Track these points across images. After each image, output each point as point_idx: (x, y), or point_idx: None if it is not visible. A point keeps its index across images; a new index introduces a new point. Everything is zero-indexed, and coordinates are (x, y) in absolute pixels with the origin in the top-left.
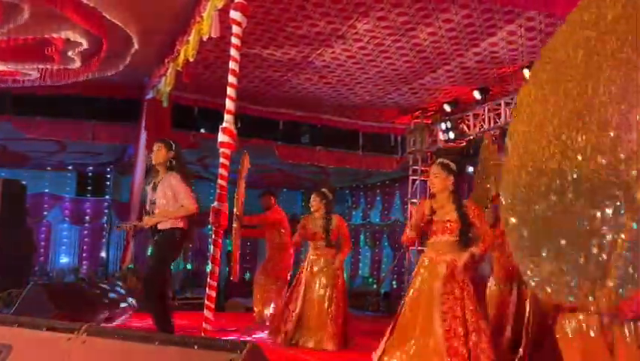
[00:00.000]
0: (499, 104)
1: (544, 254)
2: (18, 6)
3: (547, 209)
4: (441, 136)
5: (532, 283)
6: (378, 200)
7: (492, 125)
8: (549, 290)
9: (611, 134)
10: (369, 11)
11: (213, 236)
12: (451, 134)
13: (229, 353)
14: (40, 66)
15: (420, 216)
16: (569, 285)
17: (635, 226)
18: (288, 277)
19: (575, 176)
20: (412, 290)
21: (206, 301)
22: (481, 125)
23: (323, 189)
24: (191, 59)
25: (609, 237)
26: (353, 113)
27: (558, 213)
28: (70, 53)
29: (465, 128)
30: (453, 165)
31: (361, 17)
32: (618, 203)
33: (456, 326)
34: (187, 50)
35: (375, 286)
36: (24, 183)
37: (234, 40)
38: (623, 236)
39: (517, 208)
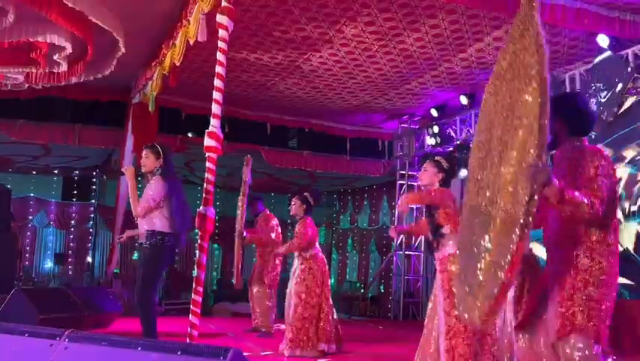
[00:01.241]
0: None
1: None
2: (2, 9)
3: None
4: (428, 141)
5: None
6: (366, 204)
7: None
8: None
9: (494, 170)
10: (357, 16)
11: (199, 241)
12: (438, 139)
13: (212, 359)
14: (26, 70)
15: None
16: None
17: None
18: (278, 281)
19: (479, 209)
20: None
21: (191, 307)
22: (468, 130)
23: (305, 193)
24: (178, 63)
25: (484, 261)
26: (341, 118)
27: (470, 244)
28: (55, 57)
29: (452, 133)
30: (444, 163)
31: (348, 22)
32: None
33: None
34: (173, 53)
35: (362, 290)
36: (8, 187)
37: (221, 45)
38: (488, 258)
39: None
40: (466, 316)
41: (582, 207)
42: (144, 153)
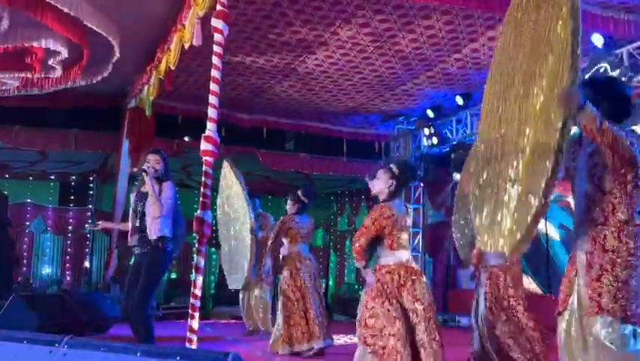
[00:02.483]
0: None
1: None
2: None
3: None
4: (424, 142)
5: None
6: (363, 206)
7: (474, 130)
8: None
9: (518, 102)
10: (351, 18)
11: (197, 245)
12: (434, 140)
13: None
14: (21, 75)
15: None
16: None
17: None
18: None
19: (501, 142)
20: None
21: (190, 311)
22: (464, 130)
23: (298, 192)
24: (173, 67)
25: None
26: (337, 120)
27: (485, 183)
28: (50, 62)
29: (448, 133)
30: (396, 170)
31: (343, 24)
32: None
33: None
34: (169, 58)
35: (361, 292)
36: (5, 193)
37: (216, 48)
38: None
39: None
40: (490, 247)
41: (623, 142)
42: (152, 157)
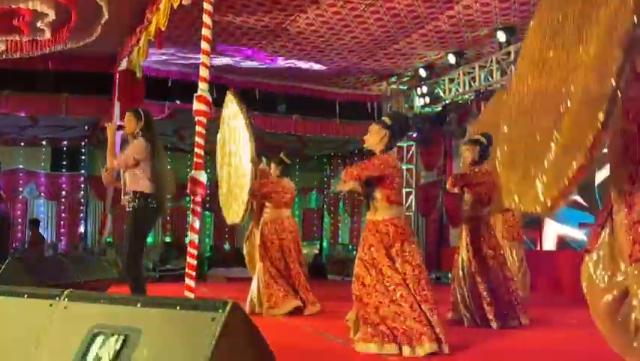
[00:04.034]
0: (474, 68)
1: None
2: None
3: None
4: (417, 101)
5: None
6: None
7: (467, 89)
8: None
9: (567, 49)
10: None
11: (192, 205)
12: (427, 99)
13: (211, 313)
14: (9, 38)
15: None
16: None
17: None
18: None
19: (548, 92)
20: None
21: (187, 270)
22: (457, 89)
23: (281, 154)
24: (163, 28)
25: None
26: (329, 81)
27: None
28: (39, 24)
29: (440, 92)
30: (389, 120)
31: None
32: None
33: None
34: (158, 18)
35: (355, 252)
36: None
37: (206, 7)
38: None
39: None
40: (519, 202)
41: None
42: (126, 116)
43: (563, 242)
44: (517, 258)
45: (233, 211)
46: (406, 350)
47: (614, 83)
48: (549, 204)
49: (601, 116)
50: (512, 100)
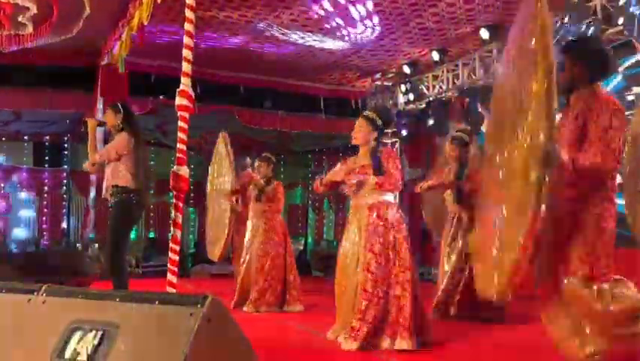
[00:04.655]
0: (457, 65)
1: None
2: None
3: None
4: (401, 98)
5: None
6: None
7: (450, 86)
8: None
9: (507, 149)
10: None
11: (174, 200)
12: (411, 96)
13: (190, 308)
14: None
15: (340, 169)
16: None
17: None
18: None
19: (499, 181)
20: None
21: (169, 266)
22: (440, 86)
23: (266, 154)
24: (146, 22)
25: (499, 237)
26: (314, 77)
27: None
28: (20, 18)
29: (424, 89)
30: (378, 120)
31: None
32: None
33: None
34: (141, 12)
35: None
36: None
37: (188, 0)
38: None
39: None
40: (483, 291)
41: (596, 165)
42: (106, 111)
43: None
44: None
45: (211, 250)
46: (387, 343)
47: (534, 193)
48: (500, 294)
49: (525, 221)
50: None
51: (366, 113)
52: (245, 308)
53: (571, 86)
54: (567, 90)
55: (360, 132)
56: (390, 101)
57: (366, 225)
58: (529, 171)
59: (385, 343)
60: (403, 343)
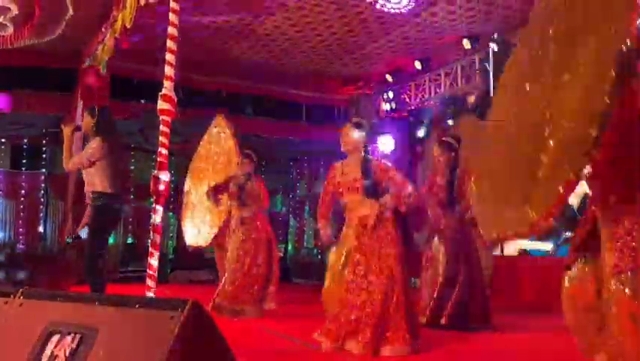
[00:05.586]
0: (440, 75)
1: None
2: None
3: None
4: (383, 106)
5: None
6: (322, 171)
7: (432, 94)
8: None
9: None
10: None
11: (154, 205)
12: (393, 104)
13: (170, 312)
14: None
15: (330, 181)
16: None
17: None
18: None
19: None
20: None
21: (148, 271)
22: (422, 95)
23: (248, 151)
24: (129, 26)
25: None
26: (297, 84)
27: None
28: (1, 19)
29: (406, 98)
30: (367, 128)
31: None
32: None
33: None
34: (124, 15)
35: (319, 256)
36: None
37: (172, 5)
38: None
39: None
40: (501, 230)
41: None
42: (84, 114)
43: (523, 249)
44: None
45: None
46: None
47: (607, 101)
48: (539, 223)
49: (593, 132)
50: (491, 130)
51: (355, 120)
52: (217, 300)
53: None
54: None
55: (350, 139)
56: (373, 110)
57: (362, 231)
58: (599, 75)
59: (386, 350)
60: (404, 349)
